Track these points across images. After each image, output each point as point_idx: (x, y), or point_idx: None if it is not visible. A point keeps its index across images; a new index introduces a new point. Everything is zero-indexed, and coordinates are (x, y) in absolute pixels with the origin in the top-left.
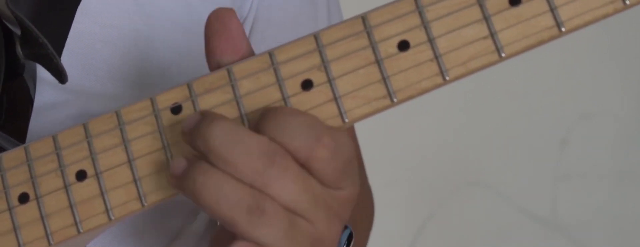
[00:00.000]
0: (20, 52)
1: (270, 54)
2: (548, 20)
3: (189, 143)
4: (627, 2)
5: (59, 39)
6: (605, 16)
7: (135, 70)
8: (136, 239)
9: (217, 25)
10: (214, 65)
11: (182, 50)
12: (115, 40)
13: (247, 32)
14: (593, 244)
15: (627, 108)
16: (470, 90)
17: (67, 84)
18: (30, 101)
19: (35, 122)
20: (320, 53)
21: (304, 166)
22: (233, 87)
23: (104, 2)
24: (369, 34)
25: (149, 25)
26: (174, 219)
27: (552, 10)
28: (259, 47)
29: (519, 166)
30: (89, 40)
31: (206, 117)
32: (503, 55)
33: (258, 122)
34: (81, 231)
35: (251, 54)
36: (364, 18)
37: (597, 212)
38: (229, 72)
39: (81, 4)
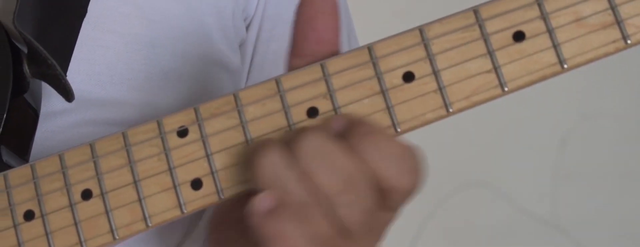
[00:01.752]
0: (28, 71)
1: (277, 81)
2: (551, 57)
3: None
4: (629, 42)
5: (65, 55)
6: (606, 55)
7: (137, 75)
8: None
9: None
10: (303, 42)
11: (183, 54)
12: (116, 45)
13: (255, 31)
14: (593, 244)
15: (627, 108)
16: None
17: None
18: (34, 119)
19: (39, 130)
20: (327, 82)
21: (383, 192)
22: (239, 112)
23: (104, 8)
24: (374, 65)
25: (150, 29)
26: (176, 232)
27: (555, 47)
28: (267, 45)
29: (519, 165)
30: (90, 45)
31: (305, 128)
32: (506, 89)
33: (353, 138)
34: None
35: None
36: (370, 48)
37: (597, 212)
38: (235, 97)
39: None
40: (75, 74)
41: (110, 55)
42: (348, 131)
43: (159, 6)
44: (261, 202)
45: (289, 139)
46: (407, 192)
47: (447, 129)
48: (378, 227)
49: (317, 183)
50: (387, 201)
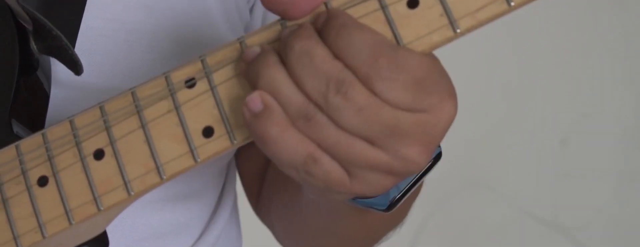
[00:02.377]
0: (35, 47)
1: (281, 23)
2: None
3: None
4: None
5: (71, 32)
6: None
7: (139, 64)
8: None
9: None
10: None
11: (186, 41)
12: (118, 34)
13: (260, 13)
14: (593, 244)
15: (627, 108)
16: (470, 90)
17: (72, 80)
18: (46, 96)
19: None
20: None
21: (371, 89)
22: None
23: None
24: None
25: (151, 17)
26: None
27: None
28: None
29: (519, 166)
30: (92, 35)
31: (294, 29)
32: (513, 4)
33: (323, 31)
34: (101, 208)
35: None
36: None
37: (597, 213)
38: (241, 43)
39: None
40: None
41: (112, 44)
42: (324, 26)
43: None
44: (251, 103)
45: (283, 45)
46: (388, 79)
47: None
48: (405, 128)
49: (307, 90)
50: (381, 95)
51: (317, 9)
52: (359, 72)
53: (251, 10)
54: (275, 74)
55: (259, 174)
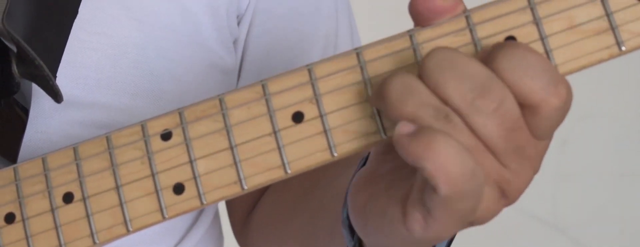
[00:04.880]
0: (16, 71)
1: (263, 84)
2: None
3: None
4: (623, 49)
5: (55, 57)
6: (600, 61)
7: (126, 78)
8: None
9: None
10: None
11: (175, 56)
12: (105, 47)
13: (246, 27)
14: (593, 244)
15: (627, 108)
16: None
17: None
18: (23, 120)
19: (28, 131)
20: (313, 86)
21: (527, 111)
22: (224, 116)
23: (92, 8)
24: (362, 69)
25: (140, 31)
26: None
27: (547, 52)
28: (259, 39)
29: None
30: (78, 48)
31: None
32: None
33: (489, 53)
34: None
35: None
36: (358, 53)
37: (597, 212)
38: (220, 101)
39: None
40: (61, 77)
41: (98, 57)
42: (490, 52)
43: (150, 7)
44: (402, 127)
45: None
46: (556, 110)
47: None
48: (530, 154)
49: (448, 94)
50: (535, 122)
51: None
52: (531, 94)
53: (239, 23)
54: (409, 81)
55: (250, 201)
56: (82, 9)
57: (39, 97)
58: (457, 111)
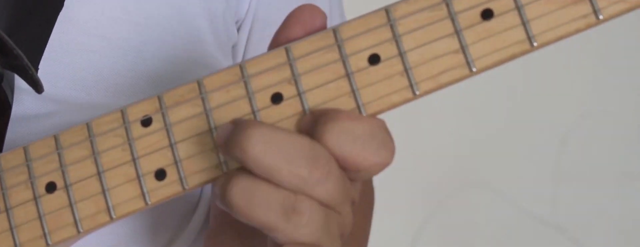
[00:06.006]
0: None
1: (241, 66)
2: (519, 34)
3: (226, 155)
4: (601, 17)
5: (37, 48)
6: (577, 31)
7: (124, 81)
8: None
9: (302, 17)
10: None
11: (174, 59)
12: (103, 49)
13: (245, 34)
14: (593, 244)
15: (627, 108)
16: (470, 90)
17: (54, 94)
18: (7, 114)
19: (17, 133)
20: (291, 66)
21: (353, 172)
22: (203, 99)
23: (91, 11)
24: (339, 47)
25: (138, 33)
26: (165, 232)
27: (524, 24)
28: (257, 47)
29: (519, 166)
30: (76, 50)
31: (239, 125)
32: (474, 69)
33: (314, 125)
34: (50, 243)
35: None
36: (335, 31)
37: (597, 212)
38: (199, 84)
39: (68, 13)
40: (59, 79)
41: (96, 60)
42: (314, 123)
43: (149, 10)
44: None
45: (237, 151)
46: (376, 171)
47: (448, 129)
48: (355, 200)
49: (283, 180)
50: (358, 175)
51: None
52: (344, 155)
53: (238, 30)
54: (243, 183)
55: None
56: (82, 11)
57: (36, 99)
58: (297, 190)
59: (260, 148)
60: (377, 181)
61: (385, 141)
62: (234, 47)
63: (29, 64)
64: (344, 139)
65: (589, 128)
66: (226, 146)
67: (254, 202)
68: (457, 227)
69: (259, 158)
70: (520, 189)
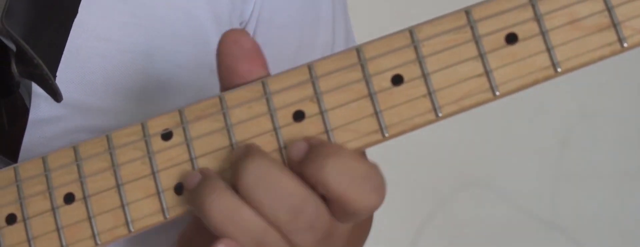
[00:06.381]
0: (15, 70)
1: (263, 83)
2: (544, 60)
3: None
4: (625, 45)
5: (55, 56)
6: (601, 58)
7: (133, 85)
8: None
9: (232, 47)
10: (230, 85)
11: (182, 62)
12: (112, 54)
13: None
14: (593, 244)
15: (627, 108)
16: None
17: (64, 98)
18: (25, 119)
19: (31, 136)
20: (314, 84)
21: (342, 212)
22: (224, 115)
23: (100, 16)
24: (363, 67)
25: (147, 37)
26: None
27: (549, 50)
28: (262, 49)
29: (519, 165)
30: (86, 54)
31: (241, 149)
32: (497, 93)
33: (311, 158)
34: None
35: (267, 72)
36: (358, 50)
37: (597, 212)
38: (221, 100)
39: (77, 18)
40: (69, 83)
41: (106, 64)
42: (308, 155)
43: (157, 14)
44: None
45: (233, 173)
46: (371, 210)
47: (448, 129)
48: (335, 241)
49: (265, 213)
50: (348, 217)
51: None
52: (341, 198)
53: (245, 26)
54: (227, 202)
55: None
56: (90, 15)
57: (44, 102)
58: (275, 227)
59: (253, 180)
60: None
61: (379, 185)
62: None
63: (49, 74)
64: (344, 177)
65: (589, 128)
66: (233, 165)
67: (231, 222)
68: (457, 227)
69: (249, 189)
70: (520, 189)
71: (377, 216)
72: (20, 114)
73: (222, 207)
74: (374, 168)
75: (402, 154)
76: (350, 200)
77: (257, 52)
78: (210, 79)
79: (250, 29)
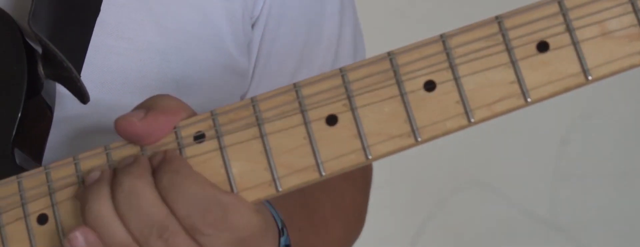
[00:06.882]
0: (42, 72)
1: (296, 87)
2: (575, 68)
3: None
4: None
5: (79, 56)
6: (632, 66)
7: (150, 83)
8: None
9: (129, 137)
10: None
11: (196, 60)
12: (130, 52)
13: (260, 31)
14: (593, 244)
15: (627, 108)
16: None
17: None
18: (49, 120)
19: (52, 136)
20: (346, 89)
21: (194, 240)
22: (257, 118)
23: (118, 15)
24: (395, 73)
25: (163, 36)
26: None
27: (580, 58)
28: (272, 44)
29: (519, 166)
30: (105, 53)
31: (123, 162)
32: (529, 100)
33: (157, 172)
34: None
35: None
36: (391, 56)
37: (597, 212)
38: (253, 104)
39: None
40: (87, 81)
41: (124, 62)
42: (158, 168)
43: (174, 13)
44: (74, 240)
45: (114, 178)
46: (212, 237)
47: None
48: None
49: (130, 227)
50: (201, 239)
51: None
52: (185, 222)
53: (253, 26)
54: (102, 210)
55: None
56: (109, 14)
57: (63, 101)
58: (136, 242)
59: (124, 195)
60: (377, 180)
61: (219, 212)
62: (248, 45)
63: (78, 76)
64: (185, 197)
65: (589, 128)
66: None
67: (100, 229)
68: (457, 227)
69: (120, 201)
70: (520, 189)
71: (377, 216)
72: (44, 115)
73: (97, 214)
74: (213, 195)
75: (402, 154)
76: (191, 224)
77: (151, 127)
78: (224, 78)
79: (260, 25)
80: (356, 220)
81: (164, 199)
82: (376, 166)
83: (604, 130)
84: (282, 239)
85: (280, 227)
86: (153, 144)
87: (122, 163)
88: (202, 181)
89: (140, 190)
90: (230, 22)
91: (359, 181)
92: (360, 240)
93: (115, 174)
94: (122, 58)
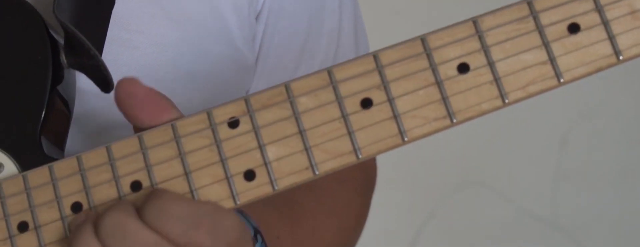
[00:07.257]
0: (65, 61)
1: (329, 71)
2: (606, 48)
3: None
4: None
5: (98, 46)
6: None
7: (164, 76)
8: None
9: (126, 100)
10: (140, 129)
11: (206, 54)
12: (144, 46)
13: (262, 25)
14: (593, 244)
15: (627, 108)
16: None
17: (97, 90)
18: (68, 110)
19: (71, 130)
20: (380, 73)
21: None
22: (291, 103)
23: (130, 8)
24: (429, 56)
25: (175, 30)
26: None
27: (611, 38)
28: (271, 39)
29: (519, 166)
30: (117, 46)
31: (112, 206)
32: (562, 80)
33: (140, 206)
34: None
35: (175, 114)
36: (423, 40)
37: (597, 212)
38: (286, 89)
39: None
40: None
41: (137, 56)
42: (142, 203)
43: (184, 6)
44: None
45: (96, 220)
46: (216, 239)
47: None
48: None
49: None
50: None
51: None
52: (181, 240)
53: (256, 20)
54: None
55: None
56: (122, 8)
57: (80, 96)
58: None
59: (108, 229)
60: (377, 180)
61: (203, 222)
62: (254, 38)
63: (104, 63)
64: (165, 217)
65: (589, 128)
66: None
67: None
68: (457, 227)
69: (106, 235)
70: (520, 189)
71: (377, 215)
72: (65, 104)
73: (80, 240)
74: (198, 208)
75: (402, 154)
76: (178, 241)
77: (154, 98)
78: (233, 71)
79: (262, 19)
80: (353, 223)
81: (154, 228)
82: (378, 164)
83: (604, 130)
84: (257, 245)
85: (253, 233)
86: (147, 126)
87: (105, 206)
88: (182, 198)
89: (123, 220)
90: (237, 15)
91: (357, 182)
92: (360, 240)
93: (98, 214)
94: (136, 51)
